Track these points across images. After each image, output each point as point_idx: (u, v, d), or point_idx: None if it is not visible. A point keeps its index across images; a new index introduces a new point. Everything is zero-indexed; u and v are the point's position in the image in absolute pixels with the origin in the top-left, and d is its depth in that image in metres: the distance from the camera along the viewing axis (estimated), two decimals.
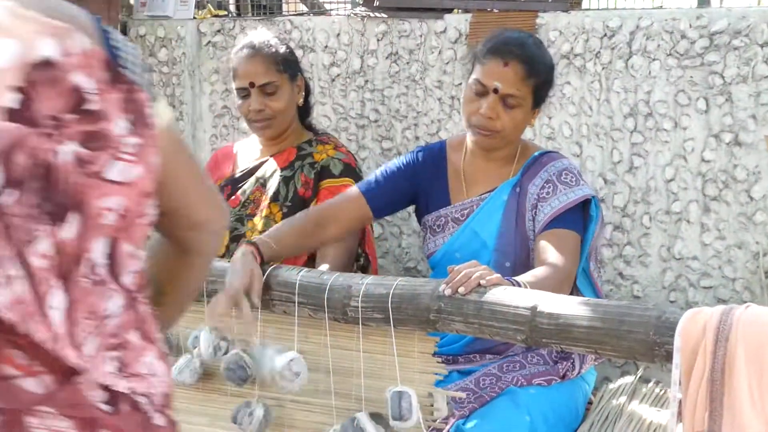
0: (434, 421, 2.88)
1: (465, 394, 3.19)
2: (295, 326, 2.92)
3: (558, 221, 3.26)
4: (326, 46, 4.65)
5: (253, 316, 2.90)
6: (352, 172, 3.77)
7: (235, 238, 3.70)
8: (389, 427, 2.79)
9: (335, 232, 3.42)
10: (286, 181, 3.72)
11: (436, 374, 2.86)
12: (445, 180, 3.51)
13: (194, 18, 5.03)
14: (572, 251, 3.21)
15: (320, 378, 2.94)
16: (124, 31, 5.05)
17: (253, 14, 5.21)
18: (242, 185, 3.81)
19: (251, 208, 3.74)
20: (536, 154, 3.44)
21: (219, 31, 4.91)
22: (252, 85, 3.71)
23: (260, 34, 3.84)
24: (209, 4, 5.35)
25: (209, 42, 4.93)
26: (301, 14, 4.94)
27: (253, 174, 3.82)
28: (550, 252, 3.16)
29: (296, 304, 2.87)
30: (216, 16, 5.11)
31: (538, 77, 3.34)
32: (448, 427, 3.11)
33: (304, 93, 3.88)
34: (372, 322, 2.79)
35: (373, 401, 2.82)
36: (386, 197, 3.50)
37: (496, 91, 3.27)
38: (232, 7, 5.72)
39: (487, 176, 3.44)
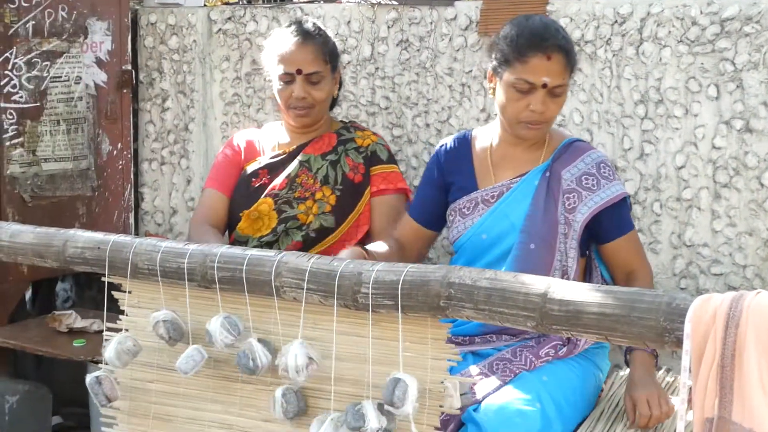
0: (453, 407, 2.89)
1: (479, 378, 3.21)
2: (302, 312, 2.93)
3: (623, 220, 3.47)
4: (336, 34, 4.64)
5: None
6: (393, 158, 3.92)
7: (284, 220, 3.74)
8: (394, 416, 2.80)
9: (416, 254, 3.70)
10: (333, 164, 3.78)
11: (450, 360, 2.86)
12: (470, 167, 3.55)
13: (205, 5, 5.04)
14: (643, 252, 3.55)
15: (331, 364, 2.94)
16: (135, 20, 5.06)
17: (263, 1, 5.21)
18: (282, 169, 3.82)
19: (299, 191, 3.77)
20: (566, 141, 3.49)
21: (230, 18, 4.91)
22: (299, 72, 3.71)
23: (307, 20, 3.86)
24: None
25: (220, 29, 4.93)
26: (312, 1, 4.94)
27: (295, 158, 3.83)
28: (631, 258, 3.47)
29: (305, 290, 2.87)
30: (226, 3, 5.11)
31: (575, 60, 3.43)
32: (460, 412, 3.12)
33: (338, 85, 3.91)
34: (382, 308, 2.79)
35: (381, 388, 2.83)
36: (434, 213, 3.66)
37: (545, 86, 3.30)
38: None
39: (516, 162, 3.48)
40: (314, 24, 3.84)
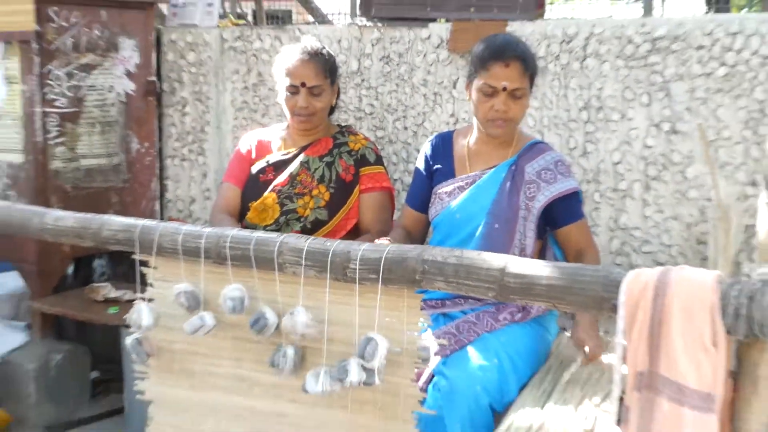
0: (421, 360, 2.91)
1: (447, 339, 3.23)
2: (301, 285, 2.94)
3: (575, 211, 3.44)
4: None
5: None
6: (380, 159, 3.86)
7: (285, 212, 3.73)
8: (374, 372, 2.83)
9: (420, 238, 3.73)
10: (328, 165, 3.76)
11: (422, 323, 2.88)
12: (451, 160, 3.56)
13: (218, 26, 5.03)
14: (591, 237, 3.50)
15: (324, 328, 2.95)
16: (159, 38, 5.05)
17: (267, 23, 5.21)
18: (286, 168, 3.82)
19: (299, 187, 3.75)
20: (531, 142, 3.50)
21: (239, 37, 4.90)
22: (303, 85, 3.71)
23: (313, 41, 3.84)
24: (230, 15, 5.35)
25: (230, 47, 4.92)
26: (308, 24, 4.94)
27: (296, 158, 3.83)
28: (581, 241, 3.44)
29: (303, 266, 2.88)
30: (236, 24, 5.11)
31: (533, 68, 3.40)
32: (431, 366, 3.14)
33: (336, 95, 3.89)
34: (367, 281, 2.81)
35: (366, 347, 2.85)
36: (428, 199, 3.62)
37: (504, 89, 3.32)
38: (249, 18, 5.72)
39: (488, 156, 3.49)
40: (318, 43, 3.83)
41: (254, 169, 3.87)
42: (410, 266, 2.73)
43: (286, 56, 3.79)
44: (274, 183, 3.79)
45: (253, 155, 3.92)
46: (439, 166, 3.57)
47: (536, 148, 3.46)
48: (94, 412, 4.58)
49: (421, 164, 3.64)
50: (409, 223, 3.67)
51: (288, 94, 3.75)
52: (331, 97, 3.81)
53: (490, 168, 3.47)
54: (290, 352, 2.97)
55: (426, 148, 3.65)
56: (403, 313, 2.86)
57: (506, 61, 3.33)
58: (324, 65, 3.73)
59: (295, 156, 3.83)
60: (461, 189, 3.49)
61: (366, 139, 3.89)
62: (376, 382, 2.84)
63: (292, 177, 3.78)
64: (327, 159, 3.78)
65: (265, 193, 3.77)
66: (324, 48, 3.79)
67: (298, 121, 3.78)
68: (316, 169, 3.77)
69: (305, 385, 2.87)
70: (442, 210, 3.51)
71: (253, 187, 3.84)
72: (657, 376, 2.26)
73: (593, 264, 3.10)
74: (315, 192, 3.73)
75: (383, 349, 2.78)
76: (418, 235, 3.70)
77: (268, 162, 3.85)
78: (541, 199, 3.36)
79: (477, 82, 3.39)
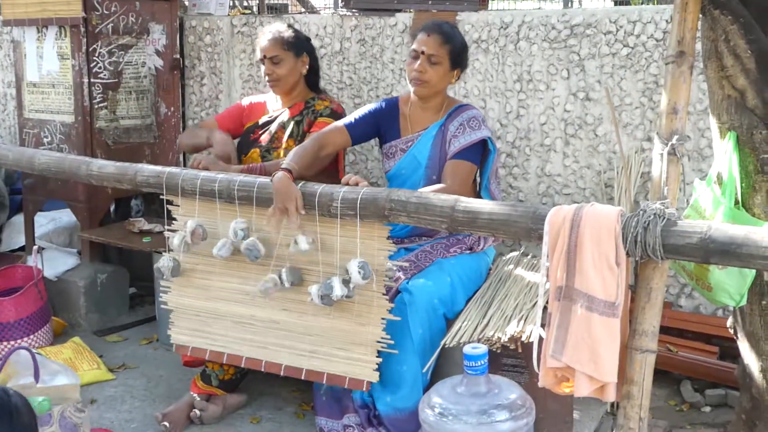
0: (389, 279, 2.92)
1: (408, 263, 3.22)
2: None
3: (460, 154, 3.28)
4: (317, 35, 4.58)
5: (297, 220, 2.88)
6: (335, 115, 3.70)
7: None
8: (350, 286, 2.85)
9: (330, 151, 3.38)
10: (297, 124, 3.70)
11: (389, 250, 2.88)
12: (397, 121, 3.50)
13: (228, 15, 4.97)
14: (462, 176, 3.25)
15: (313, 253, 2.95)
16: (182, 24, 4.98)
17: (268, 13, 5.14)
18: (269, 128, 3.77)
19: (275, 143, 3.70)
20: (457, 105, 3.43)
21: (245, 24, 4.83)
22: (264, 56, 3.67)
23: (274, 25, 3.77)
24: (238, 6, 5.27)
25: (239, 31, 4.85)
26: (300, 13, 4.87)
27: (275, 120, 3.77)
28: (447, 175, 3.24)
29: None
30: (243, 13, 5.04)
31: (452, 44, 3.33)
32: (396, 284, 3.14)
33: (308, 67, 3.79)
34: (347, 216, 2.80)
35: (345, 268, 2.85)
36: (360, 129, 3.47)
37: (423, 53, 3.28)
38: (254, 8, 5.65)
39: (423, 119, 3.44)
40: (282, 26, 3.75)
41: (247, 127, 3.83)
42: (380, 204, 2.73)
43: (258, 40, 3.77)
44: (259, 140, 3.75)
45: (245, 113, 3.88)
46: (388, 125, 3.51)
47: (459, 109, 3.40)
48: (132, 320, 4.57)
49: (373, 109, 3.50)
50: (331, 138, 3.37)
51: (260, 65, 3.73)
52: (295, 66, 3.71)
53: (424, 129, 3.43)
54: (289, 270, 2.97)
55: (382, 104, 3.52)
56: (374, 242, 2.87)
57: (428, 32, 3.32)
58: (280, 39, 3.67)
59: (275, 118, 3.78)
60: (403, 150, 3.45)
61: (332, 102, 3.78)
62: (353, 295, 2.86)
63: (271, 134, 3.73)
64: (297, 118, 3.72)
65: (252, 149, 3.74)
66: (287, 29, 3.71)
67: (270, 86, 3.74)
68: (288, 127, 3.71)
69: (312, 298, 2.88)
70: (392, 167, 3.48)
71: (244, 142, 3.81)
72: (573, 289, 2.27)
73: (440, 192, 2.90)
74: (285, 146, 3.66)
75: (361, 268, 2.79)
76: (329, 151, 3.37)
77: (257, 124, 3.80)
78: (452, 150, 3.30)
79: (408, 50, 3.39)
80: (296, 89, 3.78)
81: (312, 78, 3.84)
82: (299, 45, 3.73)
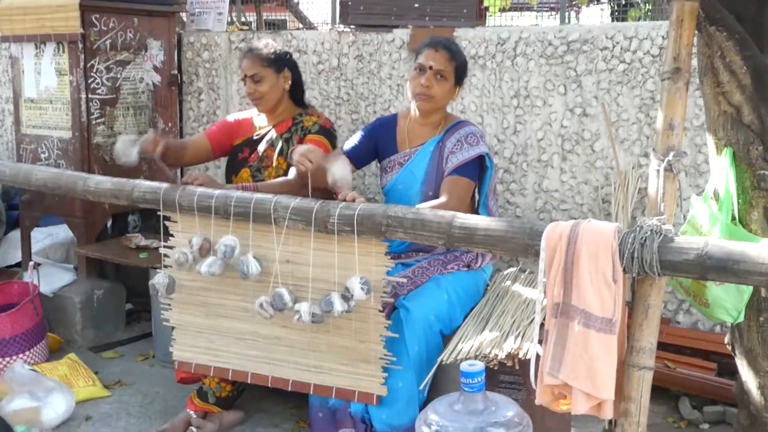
0: (385, 294, 2.91)
1: (405, 279, 3.21)
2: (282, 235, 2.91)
3: (457, 170, 3.27)
4: (314, 51, 4.59)
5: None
6: (324, 131, 3.67)
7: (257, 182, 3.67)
8: (351, 303, 2.83)
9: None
10: (286, 141, 3.67)
11: (387, 266, 2.87)
12: (394, 136, 3.50)
13: (226, 31, 4.97)
14: (459, 192, 3.24)
15: (311, 269, 2.94)
16: (180, 39, 4.98)
17: (266, 29, 5.14)
18: (256, 147, 3.74)
19: (266, 162, 3.68)
20: (455, 122, 3.43)
21: (243, 40, 4.84)
22: (245, 75, 3.66)
23: (255, 42, 3.76)
24: (236, 22, 5.28)
25: (236, 47, 4.86)
26: (298, 29, 4.88)
27: (264, 138, 3.74)
28: (445, 191, 3.23)
29: (292, 220, 2.86)
30: (241, 29, 5.04)
31: (458, 60, 3.35)
32: (393, 301, 3.13)
33: (290, 82, 3.76)
34: (343, 232, 2.79)
35: (344, 285, 2.84)
36: (361, 153, 3.50)
37: (431, 68, 3.28)
38: (252, 24, 5.66)
39: (421, 134, 3.43)
40: (256, 43, 3.73)
41: (234, 146, 3.79)
42: (377, 220, 2.72)
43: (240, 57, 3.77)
44: (249, 159, 3.72)
45: (233, 130, 3.83)
46: (385, 141, 3.51)
47: (457, 125, 3.40)
48: (128, 336, 4.55)
49: (369, 130, 3.52)
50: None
51: (243, 84, 3.72)
52: (277, 83, 3.68)
53: (422, 145, 3.42)
54: (284, 291, 2.95)
55: (376, 123, 3.56)
56: (372, 257, 2.85)
57: (436, 48, 3.33)
58: (259, 57, 3.64)
59: (263, 137, 3.75)
60: (401, 164, 3.45)
61: (320, 117, 3.75)
62: (353, 310, 2.84)
63: (260, 155, 3.71)
64: (286, 135, 3.68)
65: (242, 169, 3.71)
66: (267, 46, 3.69)
67: (253, 104, 3.73)
68: (277, 145, 3.69)
69: (300, 317, 2.85)
70: (388, 182, 3.48)
71: (233, 162, 3.78)
72: (570, 306, 2.26)
73: (437, 208, 2.90)
74: (275, 164, 3.64)
75: (360, 285, 2.78)
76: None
77: (246, 142, 3.77)
78: (450, 166, 3.30)
79: (412, 65, 3.38)
80: (281, 106, 3.73)
81: (296, 93, 3.81)
82: (279, 61, 3.68)
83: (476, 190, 3.41)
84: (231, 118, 3.89)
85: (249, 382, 3.21)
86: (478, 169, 3.34)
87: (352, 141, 3.53)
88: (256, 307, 2.95)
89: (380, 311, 2.91)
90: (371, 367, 2.96)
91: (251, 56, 3.65)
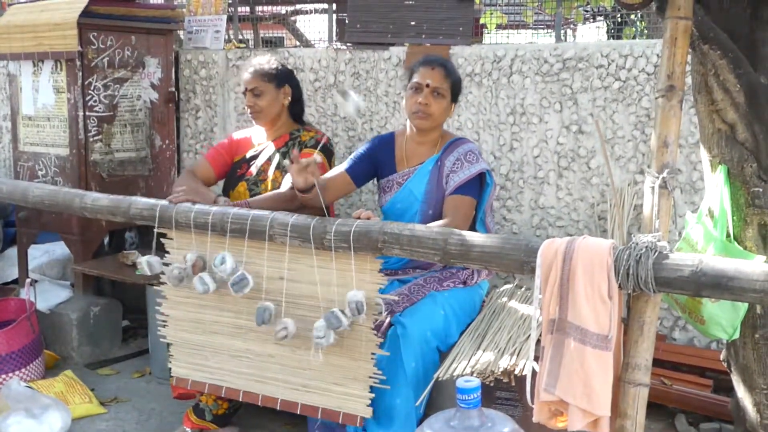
0: (379, 314, 2.90)
1: (400, 297, 3.21)
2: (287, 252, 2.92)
3: (460, 189, 3.27)
4: (311, 68, 4.61)
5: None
6: (322, 146, 3.66)
7: (253, 196, 3.67)
8: (350, 318, 2.82)
9: (333, 198, 3.52)
10: (283, 155, 3.68)
11: (380, 284, 2.87)
12: (392, 155, 3.50)
13: (223, 49, 4.98)
14: (463, 211, 3.25)
15: (304, 286, 2.94)
16: (177, 57, 5.00)
17: (263, 47, 5.16)
18: (255, 162, 3.75)
19: (262, 175, 3.69)
20: (452, 139, 3.43)
21: (240, 57, 4.86)
22: (246, 89, 3.68)
23: (256, 59, 3.78)
24: (233, 40, 5.29)
25: (234, 65, 4.87)
26: (295, 47, 4.90)
27: (261, 153, 3.76)
28: (449, 211, 3.24)
29: (288, 236, 2.86)
30: (238, 47, 5.05)
31: (453, 77, 3.35)
32: (388, 319, 3.12)
33: (290, 98, 3.78)
34: (340, 249, 2.79)
35: (340, 302, 2.84)
36: (360, 172, 3.49)
37: (428, 86, 3.28)
38: (250, 42, 5.68)
39: (420, 153, 3.43)
40: (257, 60, 3.76)
41: (234, 162, 3.81)
42: (374, 237, 2.72)
43: (241, 71, 3.79)
44: (246, 174, 3.73)
45: (233, 149, 3.84)
46: (384, 160, 3.51)
47: (455, 143, 3.41)
48: (125, 353, 4.55)
49: (368, 149, 3.52)
50: (336, 183, 3.43)
51: (245, 97, 3.74)
52: (277, 98, 3.70)
53: (420, 164, 3.43)
54: (270, 306, 2.95)
55: (375, 141, 3.55)
56: (366, 275, 2.85)
57: (432, 66, 3.33)
58: (260, 72, 3.67)
59: (261, 151, 3.77)
60: (399, 184, 3.46)
61: (317, 132, 3.77)
62: (348, 327, 2.84)
63: (257, 168, 3.72)
64: (283, 150, 3.71)
65: (239, 183, 3.73)
66: (270, 61, 3.72)
67: (252, 117, 3.74)
68: (274, 159, 3.71)
69: (286, 335, 2.85)
70: (387, 201, 3.48)
71: (231, 177, 3.79)
72: (565, 322, 2.26)
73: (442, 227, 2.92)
74: (272, 177, 3.66)
75: (363, 301, 2.78)
76: (333, 196, 3.49)
77: (244, 159, 3.79)
78: (451, 185, 3.31)
79: (408, 84, 3.38)
80: (279, 121, 3.76)
81: (296, 109, 3.83)
82: (280, 77, 3.72)
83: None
84: (227, 141, 3.90)
85: (240, 400, 3.21)
86: (478, 186, 3.34)
87: (352, 160, 3.53)
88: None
89: (372, 329, 2.91)
90: (358, 386, 2.94)
91: (253, 71, 3.69)
